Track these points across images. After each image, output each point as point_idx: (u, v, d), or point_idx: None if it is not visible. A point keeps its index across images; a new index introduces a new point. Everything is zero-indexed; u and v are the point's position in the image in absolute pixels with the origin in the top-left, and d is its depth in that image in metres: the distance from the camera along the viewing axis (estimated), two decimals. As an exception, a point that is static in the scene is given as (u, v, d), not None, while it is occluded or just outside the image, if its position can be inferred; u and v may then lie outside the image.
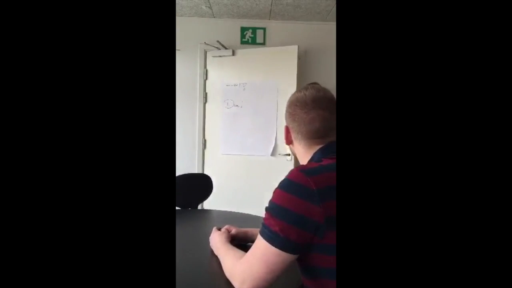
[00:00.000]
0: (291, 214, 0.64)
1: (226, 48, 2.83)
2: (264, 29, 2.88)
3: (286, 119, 0.84)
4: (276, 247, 0.65)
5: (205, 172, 2.84)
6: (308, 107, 0.78)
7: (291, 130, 0.83)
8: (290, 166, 2.87)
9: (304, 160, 0.81)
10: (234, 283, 0.73)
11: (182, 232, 1.28)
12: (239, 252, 0.83)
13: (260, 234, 0.69)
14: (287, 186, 0.67)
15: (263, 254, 0.67)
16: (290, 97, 0.84)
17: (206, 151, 2.94)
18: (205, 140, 2.92)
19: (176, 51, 2.84)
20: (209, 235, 1.06)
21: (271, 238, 0.66)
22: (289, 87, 2.66)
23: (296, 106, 0.80)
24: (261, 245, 0.67)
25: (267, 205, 0.70)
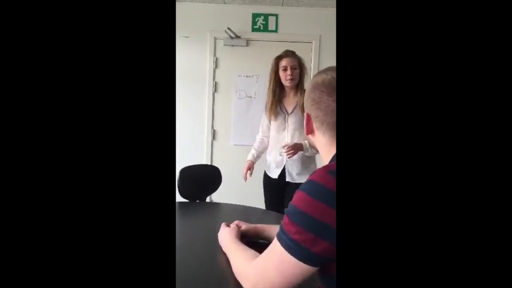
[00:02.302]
0: (316, 224, 0.55)
1: (237, 36, 2.75)
2: (277, 15, 2.78)
3: (307, 105, 0.72)
4: (295, 257, 0.57)
5: (214, 164, 2.78)
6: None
7: (313, 119, 0.70)
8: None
9: (326, 154, 0.70)
10: (244, 283, 0.68)
11: (189, 226, 1.23)
12: (250, 251, 0.78)
13: (278, 239, 0.61)
14: (313, 190, 0.57)
15: (279, 261, 0.60)
16: (313, 79, 0.71)
17: (215, 142, 2.87)
18: (214, 131, 2.86)
19: (185, 38, 2.77)
20: (218, 231, 1.02)
21: (290, 247, 0.58)
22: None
23: (322, 91, 0.67)
24: (278, 251, 0.60)
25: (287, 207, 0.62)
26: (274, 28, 2.79)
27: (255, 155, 1.96)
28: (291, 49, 1.83)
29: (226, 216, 1.50)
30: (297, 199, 0.59)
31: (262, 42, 2.81)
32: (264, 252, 0.65)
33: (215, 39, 2.79)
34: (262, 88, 2.78)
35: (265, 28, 2.79)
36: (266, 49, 2.78)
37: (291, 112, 1.81)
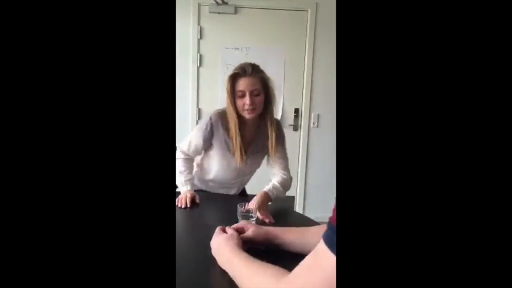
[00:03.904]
0: None
1: (224, 2, 2.45)
2: (269, -21, 2.49)
3: None
4: None
5: (200, 146, 2.53)
6: None
7: None
8: (296, 139, 2.58)
9: None
10: None
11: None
12: (265, 265, 0.58)
13: (327, 243, 0.45)
14: None
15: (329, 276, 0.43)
16: None
17: (200, 123, 2.63)
18: (199, 109, 2.61)
19: (165, 4, 2.45)
20: (209, 232, 0.79)
21: None
22: (297, 58, 2.54)
23: None
24: (326, 266, 0.43)
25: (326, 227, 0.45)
26: (266, -7, 2.51)
27: (194, 181, 1.34)
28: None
29: (219, 212, 1.25)
30: None
31: (252, 10, 2.53)
32: (300, 268, 0.48)
33: (199, 5, 2.50)
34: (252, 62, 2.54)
35: (256, -7, 2.51)
36: (257, 18, 2.53)
37: (252, 153, 1.31)
